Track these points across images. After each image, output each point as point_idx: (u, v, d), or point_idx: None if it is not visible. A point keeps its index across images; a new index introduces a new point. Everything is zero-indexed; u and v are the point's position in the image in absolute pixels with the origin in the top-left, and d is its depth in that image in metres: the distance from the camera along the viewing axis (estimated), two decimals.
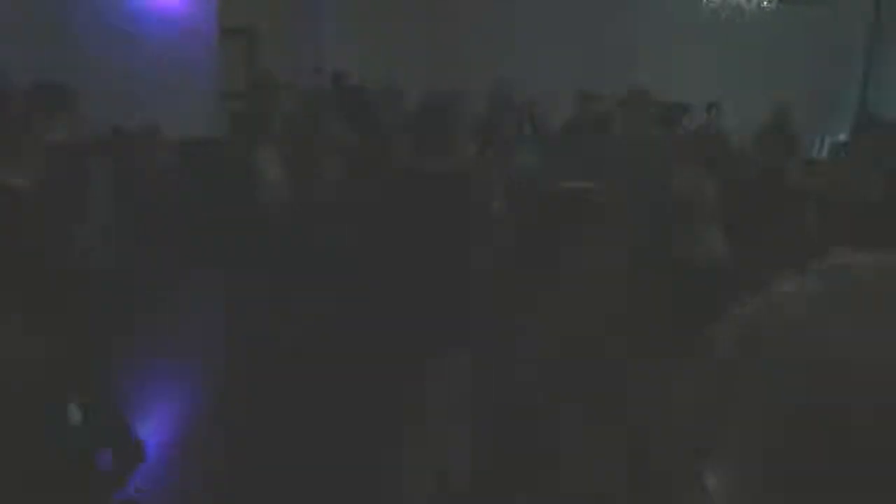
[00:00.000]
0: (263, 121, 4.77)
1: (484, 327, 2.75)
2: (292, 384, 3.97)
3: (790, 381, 0.75)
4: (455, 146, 5.08)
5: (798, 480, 0.78)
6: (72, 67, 5.78)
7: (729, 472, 0.85)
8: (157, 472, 3.41)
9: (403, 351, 2.99)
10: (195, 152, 5.74)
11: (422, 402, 2.69)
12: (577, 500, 1.74)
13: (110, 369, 3.48)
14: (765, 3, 8.50)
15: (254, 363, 4.27)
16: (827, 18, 9.69)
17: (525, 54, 9.99)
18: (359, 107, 5.87)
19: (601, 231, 2.98)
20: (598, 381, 2.24)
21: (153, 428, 3.83)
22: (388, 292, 3.26)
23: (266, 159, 4.47)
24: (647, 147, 4.87)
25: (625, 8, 10.29)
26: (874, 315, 0.74)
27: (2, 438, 2.64)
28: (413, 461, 2.72)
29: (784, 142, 7.29)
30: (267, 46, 9.55)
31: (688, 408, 0.92)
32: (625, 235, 3.74)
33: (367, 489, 3.06)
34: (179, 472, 3.54)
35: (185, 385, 4.57)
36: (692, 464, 0.93)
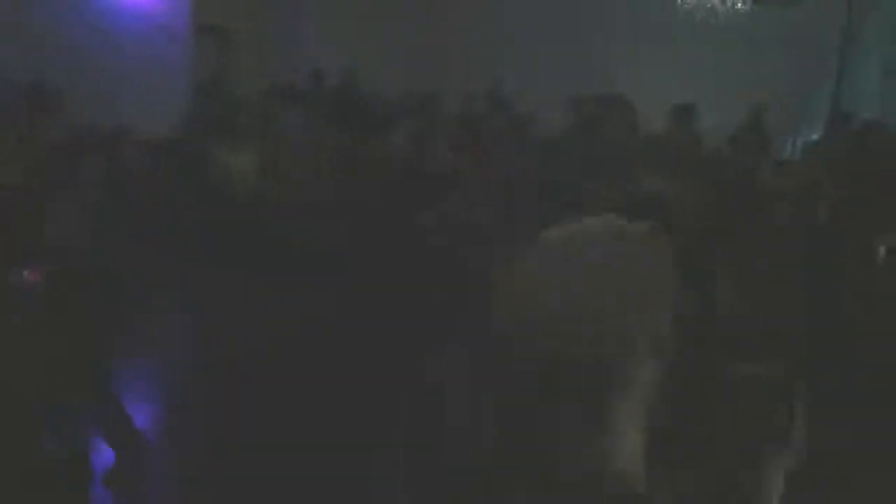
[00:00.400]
0: (229, 121, 4.73)
1: (479, 326, 2.75)
2: (274, 383, 3.96)
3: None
4: (444, 146, 5.09)
5: None
6: (42, 66, 5.71)
7: None
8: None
9: (394, 350, 2.99)
10: (168, 152, 5.69)
11: (414, 400, 2.69)
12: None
13: (108, 368, 3.47)
14: (738, 4, 8.57)
15: (237, 363, 4.25)
16: (800, 19, 9.78)
17: (500, 55, 10.01)
18: (338, 106, 5.85)
19: None
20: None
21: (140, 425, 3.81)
22: (354, 290, 3.26)
23: (239, 158, 4.44)
24: (622, 148, 4.90)
25: (599, 10, 10.33)
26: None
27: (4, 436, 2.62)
28: (405, 459, 2.72)
29: (758, 142, 7.36)
30: (243, 44, 9.47)
31: None
32: None
33: (357, 487, 3.06)
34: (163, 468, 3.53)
35: (166, 383, 4.55)
36: None
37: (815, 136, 8.35)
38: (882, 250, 3.43)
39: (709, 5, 8.61)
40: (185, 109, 7.05)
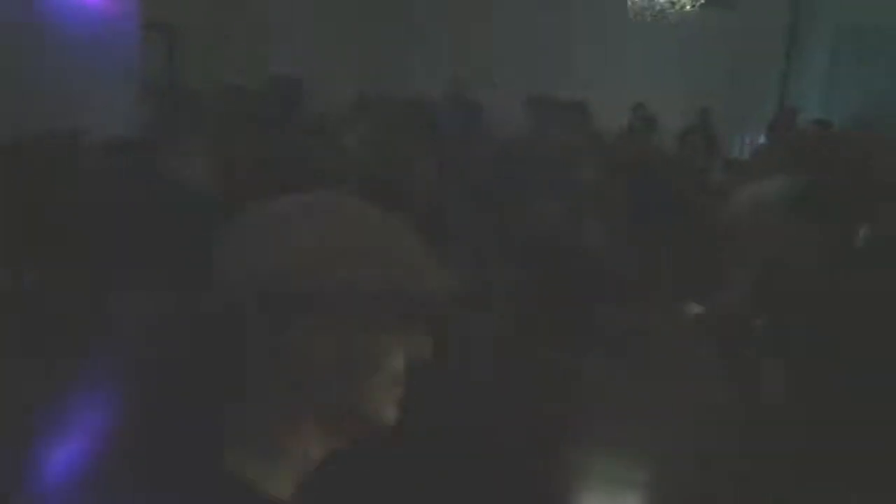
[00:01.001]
0: (178, 122, 4.66)
1: None
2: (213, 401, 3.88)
3: None
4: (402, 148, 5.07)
5: None
6: None
7: None
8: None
9: None
10: (116, 154, 5.58)
11: None
12: None
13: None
14: (688, 6, 8.69)
15: (177, 381, 4.17)
16: (746, 20, 9.95)
17: (455, 56, 10.01)
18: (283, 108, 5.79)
19: None
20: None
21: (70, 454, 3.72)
22: None
23: (190, 162, 4.37)
24: (572, 147, 4.96)
25: (549, 11, 10.38)
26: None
27: None
28: None
29: (707, 142, 7.49)
30: (191, 42, 9.31)
31: None
32: None
33: None
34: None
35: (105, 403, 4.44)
36: None
37: (762, 137, 8.49)
38: None
39: (658, 7, 8.72)
40: (133, 108, 6.94)
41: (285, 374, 0.87)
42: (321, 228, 0.89)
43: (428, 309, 0.92)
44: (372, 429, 0.92)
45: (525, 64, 9.75)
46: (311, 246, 0.87)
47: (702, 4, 8.80)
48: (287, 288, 0.85)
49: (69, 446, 3.15)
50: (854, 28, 9.50)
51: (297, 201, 0.93)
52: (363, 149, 5.38)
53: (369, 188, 4.32)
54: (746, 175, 5.77)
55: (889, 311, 2.52)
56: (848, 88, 9.61)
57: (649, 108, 8.12)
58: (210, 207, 4.48)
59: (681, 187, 6.06)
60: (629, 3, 8.92)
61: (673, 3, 8.66)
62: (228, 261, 0.90)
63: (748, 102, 9.85)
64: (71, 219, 4.40)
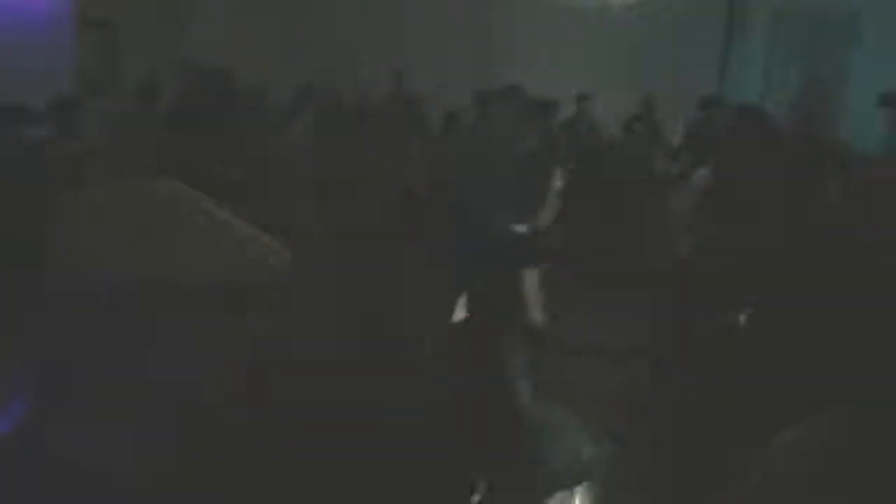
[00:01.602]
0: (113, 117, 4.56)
1: None
2: None
3: None
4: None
5: None
6: None
7: None
8: None
9: None
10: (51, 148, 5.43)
11: None
12: None
13: None
14: None
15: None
16: (686, 8, 10.03)
17: (397, 48, 9.92)
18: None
19: None
20: None
21: None
22: None
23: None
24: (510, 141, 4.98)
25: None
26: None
27: None
28: None
29: (650, 131, 7.59)
30: (128, 38, 9.09)
31: None
32: None
33: None
34: None
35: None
36: None
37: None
38: None
39: None
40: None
41: (110, 359, 0.85)
42: (126, 217, 0.87)
43: (250, 294, 0.90)
44: (212, 415, 0.90)
45: (466, 54, 9.70)
46: (115, 235, 0.85)
47: None
48: (88, 279, 0.84)
49: None
50: (789, 14, 9.64)
51: (109, 190, 0.91)
52: (309, 139, 5.34)
53: (317, 177, 4.29)
54: (687, 163, 5.86)
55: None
56: (784, 75, 9.76)
57: (591, 96, 8.15)
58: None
59: (626, 175, 6.14)
60: None
61: None
62: (56, 250, 0.89)
63: (691, 91, 9.93)
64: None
